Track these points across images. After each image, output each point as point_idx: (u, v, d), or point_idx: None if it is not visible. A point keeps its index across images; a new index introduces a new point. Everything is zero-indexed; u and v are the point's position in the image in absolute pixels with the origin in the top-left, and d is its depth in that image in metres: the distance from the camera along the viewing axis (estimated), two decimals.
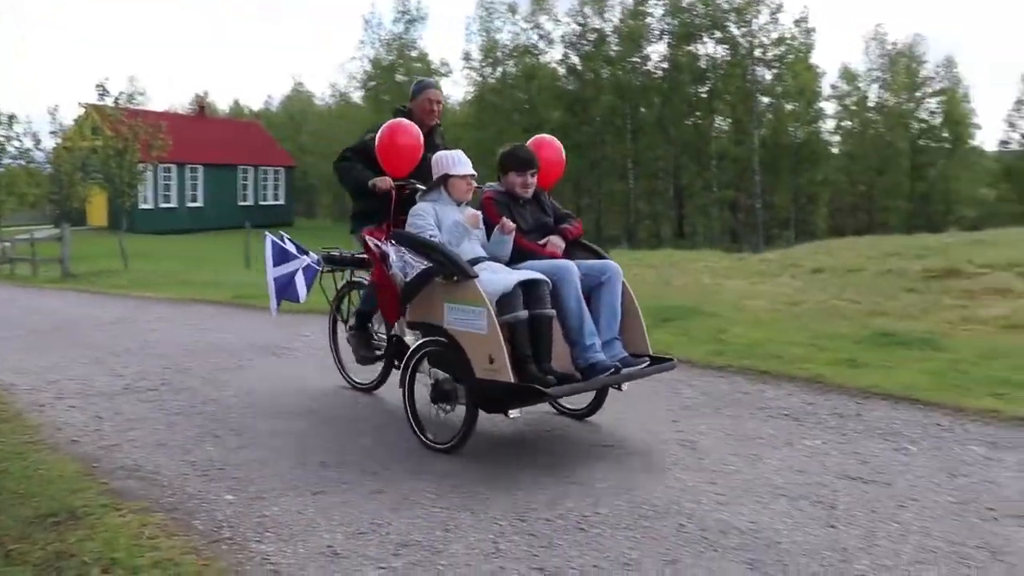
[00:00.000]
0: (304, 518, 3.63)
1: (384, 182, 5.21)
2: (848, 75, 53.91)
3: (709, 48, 50.39)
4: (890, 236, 17.40)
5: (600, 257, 5.07)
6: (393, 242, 4.83)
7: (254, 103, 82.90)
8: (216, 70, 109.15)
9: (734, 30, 49.37)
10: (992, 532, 3.49)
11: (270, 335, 8.22)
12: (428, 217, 4.77)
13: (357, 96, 60.26)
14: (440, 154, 5.01)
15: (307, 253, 6.04)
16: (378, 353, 5.73)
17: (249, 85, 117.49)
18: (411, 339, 5.09)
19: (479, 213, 4.77)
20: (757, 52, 49.36)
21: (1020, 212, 46.51)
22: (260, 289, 12.20)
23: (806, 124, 51.90)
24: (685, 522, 3.59)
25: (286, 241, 6.03)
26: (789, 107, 51.10)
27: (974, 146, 54.61)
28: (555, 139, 5.54)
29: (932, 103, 53.30)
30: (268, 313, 9.82)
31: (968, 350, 6.74)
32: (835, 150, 54.38)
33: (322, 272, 6.09)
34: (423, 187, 5.11)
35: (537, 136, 5.53)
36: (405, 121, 5.29)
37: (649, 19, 50.97)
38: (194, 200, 44.35)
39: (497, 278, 4.44)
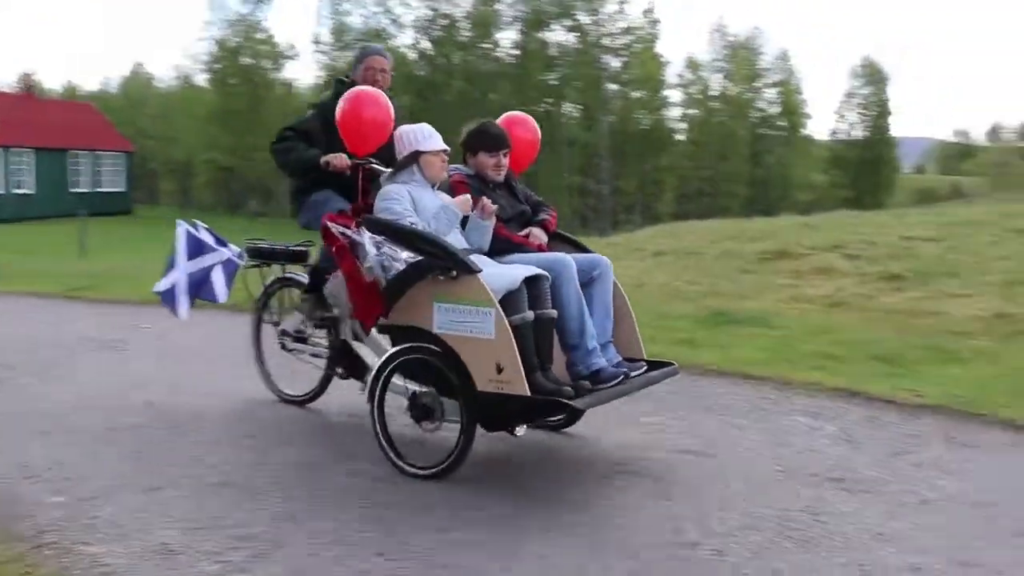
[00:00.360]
0: (139, 516, 3.49)
1: (340, 160, 4.59)
2: (692, 65, 55.84)
3: (559, 35, 51.18)
4: (730, 220, 18.13)
5: (584, 250, 4.53)
6: (366, 230, 4.10)
7: (89, 85, 78.59)
8: (45, 49, 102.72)
9: (583, 18, 50.25)
10: (813, 496, 3.73)
11: (105, 328, 7.84)
12: (404, 201, 4.09)
13: (201, 79, 58.05)
14: (404, 128, 4.35)
15: (226, 245, 5.21)
16: (331, 316, 4.88)
17: (83, 66, 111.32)
18: (359, 344, 4.54)
19: (469, 198, 4.19)
20: (605, 40, 50.46)
21: (850, 197, 49.53)
22: (96, 279, 11.71)
23: (653, 111, 53.54)
24: (525, 502, 3.67)
25: (200, 230, 5.18)
26: (636, 95, 52.55)
27: (807, 135, 57.76)
28: (528, 116, 4.96)
29: (770, 93, 56.00)
30: (102, 306, 9.49)
31: (796, 327, 7.14)
32: (680, 137, 56.30)
33: (246, 267, 5.29)
34: (383, 167, 4.49)
35: (509, 113, 4.95)
36: (373, 89, 4.63)
37: (499, 5, 51.19)
38: (21, 186, 41.68)
39: (499, 272, 3.90)
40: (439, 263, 3.86)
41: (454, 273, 3.82)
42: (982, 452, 4.38)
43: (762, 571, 3.04)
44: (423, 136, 4.29)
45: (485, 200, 4.18)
